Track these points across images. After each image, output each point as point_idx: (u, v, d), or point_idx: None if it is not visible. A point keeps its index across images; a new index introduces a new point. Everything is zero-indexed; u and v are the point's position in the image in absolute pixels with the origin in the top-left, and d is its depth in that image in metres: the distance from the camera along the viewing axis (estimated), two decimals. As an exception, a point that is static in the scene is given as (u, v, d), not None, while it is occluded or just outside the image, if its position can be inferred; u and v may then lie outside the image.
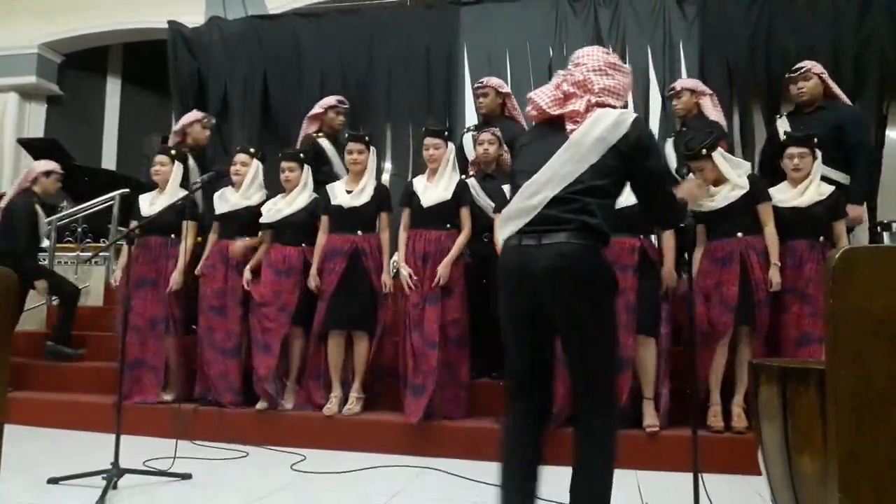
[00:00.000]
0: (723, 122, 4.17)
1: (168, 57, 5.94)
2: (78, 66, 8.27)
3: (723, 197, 3.45)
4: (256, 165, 4.13)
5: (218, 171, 3.52)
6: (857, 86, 4.77)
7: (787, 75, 4.08)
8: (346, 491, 2.90)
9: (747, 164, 3.69)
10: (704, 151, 3.41)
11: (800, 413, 1.78)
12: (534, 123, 2.15)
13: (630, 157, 1.92)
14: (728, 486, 2.93)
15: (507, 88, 4.43)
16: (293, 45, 5.81)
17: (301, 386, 3.94)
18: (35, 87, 8.02)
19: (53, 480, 2.83)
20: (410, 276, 3.69)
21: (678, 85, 4.13)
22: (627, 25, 5.18)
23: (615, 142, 1.90)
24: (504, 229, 2.00)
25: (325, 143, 4.54)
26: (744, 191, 3.45)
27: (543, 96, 2.04)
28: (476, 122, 4.78)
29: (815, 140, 3.53)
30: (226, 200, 4.07)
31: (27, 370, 4.48)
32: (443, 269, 3.64)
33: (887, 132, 4.83)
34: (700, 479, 2.31)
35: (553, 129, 2.00)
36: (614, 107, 1.99)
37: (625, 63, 2.22)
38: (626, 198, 3.35)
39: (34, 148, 7.09)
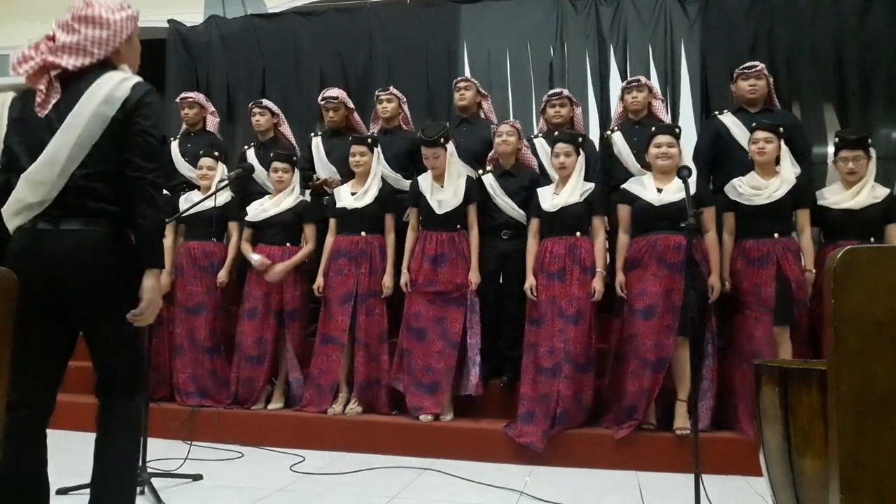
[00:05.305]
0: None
1: (167, 56, 5.92)
2: (77, 66, 8.24)
3: (767, 195, 3.42)
4: (222, 168, 4.22)
5: (245, 168, 3.52)
6: (862, 85, 4.74)
7: (737, 70, 4.06)
8: (346, 492, 2.89)
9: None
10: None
11: (801, 414, 1.76)
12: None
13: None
14: (728, 487, 2.93)
15: (484, 91, 4.47)
16: (292, 44, 5.79)
17: (289, 387, 3.98)
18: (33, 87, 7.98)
19: (63, 491, 2.64)
20: (407, 285, 3.71)
21: (643, 79, 4.13)
22: (629, 24, 5.16)
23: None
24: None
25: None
26: (790, 185, 3.42)
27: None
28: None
29: (869, 141, 3.51)
30: (191, 202, 4.07)
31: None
32: (475, 277, 3.66)
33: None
34: (700, 479, 2.30)
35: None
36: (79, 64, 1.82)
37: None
38: (674, 193, 3.35)
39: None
